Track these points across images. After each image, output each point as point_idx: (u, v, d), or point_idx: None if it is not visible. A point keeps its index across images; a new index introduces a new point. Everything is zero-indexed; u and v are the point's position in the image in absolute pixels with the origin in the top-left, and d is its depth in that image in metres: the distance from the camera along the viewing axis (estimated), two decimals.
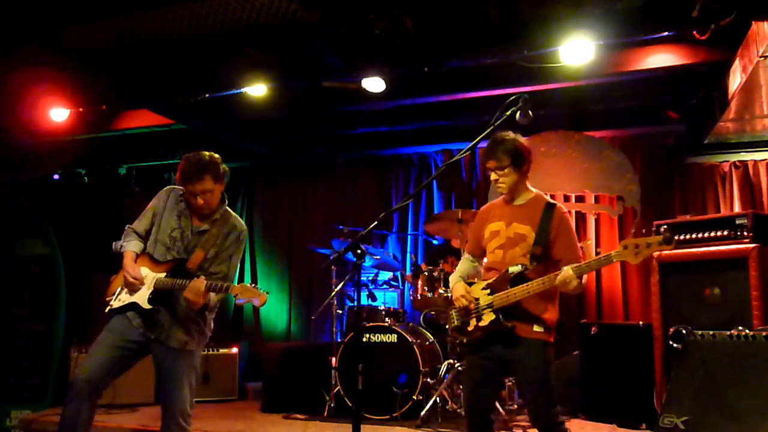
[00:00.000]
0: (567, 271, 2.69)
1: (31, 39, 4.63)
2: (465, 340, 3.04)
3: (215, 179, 3.12)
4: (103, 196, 7.30)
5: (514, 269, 2.87)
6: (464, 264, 3.26)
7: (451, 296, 3.10)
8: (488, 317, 2.90)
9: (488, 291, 2.93)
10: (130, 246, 3.23)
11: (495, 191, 3.16)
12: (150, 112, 6.06)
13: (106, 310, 3.20)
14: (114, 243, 3.28)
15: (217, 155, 3.17)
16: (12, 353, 6.71)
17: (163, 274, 3.12)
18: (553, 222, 2.91)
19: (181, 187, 3.22)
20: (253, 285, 3.00)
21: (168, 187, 3.36)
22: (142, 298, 3.11)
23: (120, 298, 3.17)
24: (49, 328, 6.73)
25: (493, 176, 3.01)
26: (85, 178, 7.40)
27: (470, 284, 3.06)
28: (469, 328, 2.98)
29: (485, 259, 3.15)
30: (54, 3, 4.27)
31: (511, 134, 2.98)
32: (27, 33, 4.55)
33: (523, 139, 3.00)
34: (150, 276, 3.14)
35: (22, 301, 6.86)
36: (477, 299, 2.97)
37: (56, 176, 7.36)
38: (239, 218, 3.34)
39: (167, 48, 4.77)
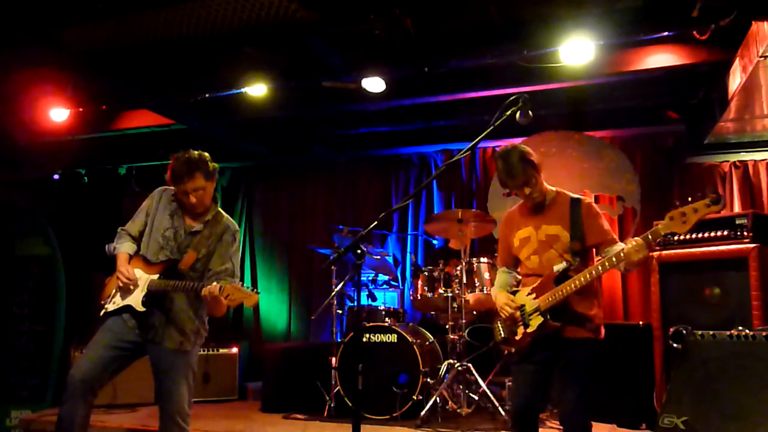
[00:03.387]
0: (637, 240, 2.60)
1: (31, 39, 4.63)
2: (513, 350, 2.98)
3: (206, 177, 3.14)
4: (103, 196, 7.31)
5: (559, 267, 2.83)
6: (501, 276, 3.21)
7: (495, 308, 3.05)
8: (536, 321, 2.85)
9: (533, 296, 2.89)
10: (123, 248, 3.25)
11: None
12: (150, 112, 6.06)
13: (101, 313, 3.21)
14: (107, 245, 3.29)
15: (206, 153, 3.19)
16: (12, 353, 6.72)
17: (156, 276, 3.13)
18: (582, 214, 2.90)
19: (172, 188, 3.23)
20: (254, 289, 2.99)
21: (160, 187, 3.37)
22: (135, 300, 3.12)
23: (114, 301, 3.18)
24: (49, 328, 6.74)
25: (527, 191, 2.94)
26: (85, 178, 7.40)
27: (513, 293, 3.02)
28: (517, 337, 2.92)
29: (519, 269, 3.12)
30: (54, 3, 4.27)
31: (514, 147, 2.96)
32: (27, 33, 4.55)
33: (521, 145, 3.01)
34: (143, 278, 3.14)
35: (22, 301, 6.88)
36: (522, 306, 2.92)
37: (56, 176, 7.36)
38: (231, 218, 3.36)
39: (167, 48, 4.77)
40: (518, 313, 2.92)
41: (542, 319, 2.82)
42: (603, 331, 2.92)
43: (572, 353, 2.81)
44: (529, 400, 2.91)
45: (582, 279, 2.73)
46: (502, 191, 6.10)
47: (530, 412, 2.94)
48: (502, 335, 3.01)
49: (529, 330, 2.87)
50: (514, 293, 3.01)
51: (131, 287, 3.12)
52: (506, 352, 3.04)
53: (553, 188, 3.06)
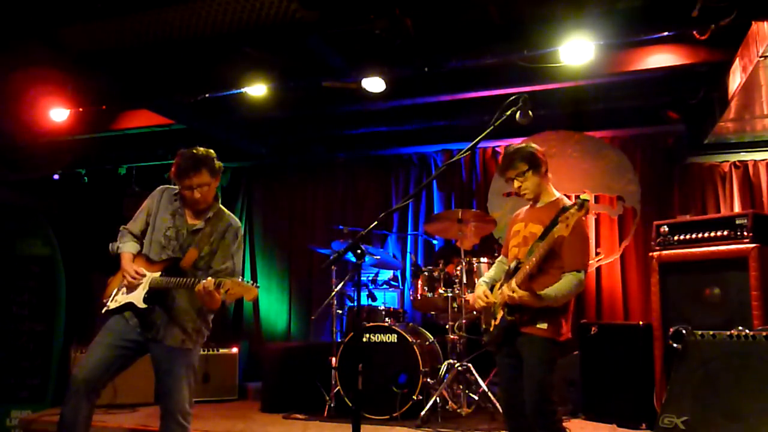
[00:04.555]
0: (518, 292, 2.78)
1: (31, 39, 4.63)
2: (489, 339, 3.11)
3: (211, 173, 3.16)
4: (103, 196, 7.30)
5: (512, 265, 2.95)
6: (496, 267, 3.32)
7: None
8: (500, 314, 2.98)
9: (501, 290, 3.00)
10: (127, 247, 3.27)
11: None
12: (150, 112, 6.06)
13: (103, 311, 3.22)
14: (111, 244, 3.31)
15: (211, 150, 3.21)
16: (12, 353, 6.71)
17: (158, 274, 3.13)
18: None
19: (174, 187, 3.26)
20: (253, 282, 3.00)
21: (161, 186, 3.38)
22: (137, 297, 3.12)
23: (116, 299, 3.19)
24: (49, 328, 6.73)
25: (516, 184, 3.09)
26: (85, 178, 7.39)
27: (492, 287, 3.14)
28: (491, 328, 3.05)
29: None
30: (54, 3, 4.27)
31: (526, 144, 3.12)
32: (27, 33, 4.55)
33: (534, 145, 3.12)
34: (146, 276, 3.15)
35: (22, 301, 6.86)
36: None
37: (56, 176, 7.35)
38: (232, 215, 3.37)
39: (167, 48, 4.76)
40: (493, 305, 3.03)
41: (502, 312, 2.94)
42: (563, 330, 2.93)
43: (526, 348, 2.91)
44: (509, 389, 3.04)
45: (515, 282, 2.84)
46: (502, 191, 6.11)
47: (514, 400, 3.00)
48: (484, 325, 3.15)
49: (495, 322, 3.01)
50: (492, 288, 3.13)
51: (137, 285, 3.12)
52: (484, 340, 3.17)
53: (558, 194, 3.14)
